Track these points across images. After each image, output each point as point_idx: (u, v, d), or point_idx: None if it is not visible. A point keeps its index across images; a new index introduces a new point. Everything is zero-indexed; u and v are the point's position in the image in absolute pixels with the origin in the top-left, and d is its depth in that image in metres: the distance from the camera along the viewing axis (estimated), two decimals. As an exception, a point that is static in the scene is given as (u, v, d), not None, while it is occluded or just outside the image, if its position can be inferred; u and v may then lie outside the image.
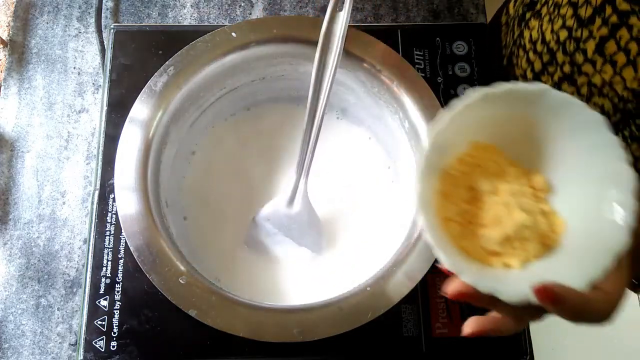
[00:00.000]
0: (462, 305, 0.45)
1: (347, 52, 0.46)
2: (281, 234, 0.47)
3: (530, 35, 0.48)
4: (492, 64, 0.53)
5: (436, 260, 0.37)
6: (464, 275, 0.26)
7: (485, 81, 0.50)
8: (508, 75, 0.53)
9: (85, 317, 0.44)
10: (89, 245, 0.46)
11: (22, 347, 0.48)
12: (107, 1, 0.59)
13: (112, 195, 0.46)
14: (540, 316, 0.29)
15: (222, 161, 0.52)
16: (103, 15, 0.58)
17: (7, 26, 0.58)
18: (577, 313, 0.26)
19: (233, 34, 0.47)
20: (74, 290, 0.50)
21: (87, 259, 0.45)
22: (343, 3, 0.42)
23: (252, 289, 0.47)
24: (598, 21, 0.40)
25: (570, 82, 0.45)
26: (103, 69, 0.54)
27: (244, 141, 0.53)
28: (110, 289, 0.44)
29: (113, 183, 0.44)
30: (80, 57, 0.57)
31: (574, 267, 0.28)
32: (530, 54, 0.48)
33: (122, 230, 0.42)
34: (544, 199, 0.31)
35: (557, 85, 0.46)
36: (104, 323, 0.44)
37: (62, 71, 0.56)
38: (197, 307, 0.40)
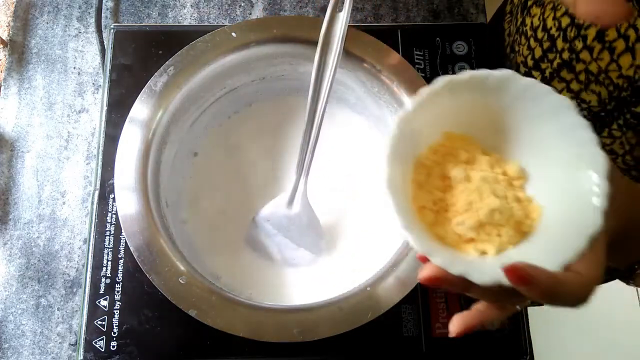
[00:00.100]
0: (462, 305, 0.45)
1: (347, 52, 0.46)
2: (281, 235, 0.47)
3: (532, 23, 0.48)
4: (492, 64, 0.53)
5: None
6: (436, 258, 0.26)
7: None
8: (510, 63, 0.54)
9: (85, 317, 0.44)
10: (89, 245, 0.46)
11: (22, 347, 0.48)
12: (107, 1, 0.59)
13: (112, 195, 0.46)
14: (520, 301, 0.29)
15: (223, 161, 0.52)
16: (103, 15, 0.58)
17: (7, 26, 0.58)
18: (549, 294, 0.26)
19: (233, 34, 0.47)
20: (74, 290, 0.50)
21: (87, 259, 0.45)
22: (343, 3, 0.42)
23: (252, 289, 0.47)
24: None
25: (569, 69, 0.45)
26: (103, 69, 0.54)
27: (244, 141, 0.53)
28: (110, 289, 0.44)
29: (113, 183, 0.44)
30: (80, 57, 0.57)
31: (548, 250, 0.28)
32: (532, 41, 0.48)
33: (122, 230, 0.42)
34: (519, 186, 0.31)
35: (556, 72, 0.47)
36: (104, 323, 0.44)
37: (62, 71, 0.56)
38: (197, 307, 0.40)
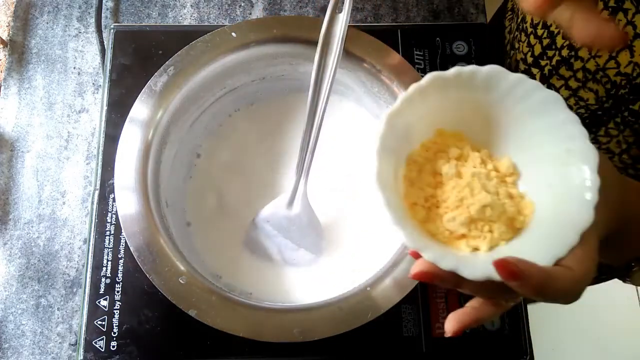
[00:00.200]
0: (462, 305, 0.45)
1: (347, 52, 0.46)
2: (281, 236, 0.47)
3: (532, 19, 0.48)
4: (492, 63, 0.53)
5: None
6: (426, 253, 0.26)
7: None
8: (510, 61, 0.54)
9: (85, 317, 0.44)
10: (89, 245, 0.46)
11: (22, 347, 0.48)
12: (107, 1, 0.59)
13: (112, 195, 0.46)
14: (512, 297, 0.29)
15: (222, 161, 0.52)
16: (103, 15, 0.58)
17: (7, 26, 0.58)
18: (540, 289, 0.25)
19: (233, 34, 0.47)
20: (74, 290, 0.50)
21: (87, 259, 0.45)
22: (343, 4, 0.42)
23: (253, 289, 0.47)
24: (600, 4, 0.40)
25: (567, 67, 0.45)
26: (103, 69, 0.54)
27: (244, 141, 0.53)
28: (110, 289, 0.44)
29: (113, 183, 0.44)
30: (80, 57, 0.57)
31: (540, 245, 0.28)
32: (532, 38, 0.49)
33: (122, 230, 0.42)
34: (511, 182, 0.31)
35: (555, 69, 0.47)
36: (104, 323, 0.44)
37: (62, 71, 0.56)
38: (197, 307, 0.40)
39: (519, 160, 0.31)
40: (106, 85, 0.49)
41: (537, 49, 0.48)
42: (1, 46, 0.57)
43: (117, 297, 0.44)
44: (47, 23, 0.58)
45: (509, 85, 0.29)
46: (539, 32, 0.47)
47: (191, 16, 0.59)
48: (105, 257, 0.45)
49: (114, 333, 0.43)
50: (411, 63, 0.49)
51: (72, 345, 0.48)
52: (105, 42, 0.56)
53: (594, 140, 0.48)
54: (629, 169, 0.48)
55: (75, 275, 0.50)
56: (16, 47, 0.57)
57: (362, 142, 0.52)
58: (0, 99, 0.55)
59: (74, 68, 0.56)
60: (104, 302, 0.44)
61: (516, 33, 0.53)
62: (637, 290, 1.26)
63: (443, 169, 0.30)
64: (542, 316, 1.18)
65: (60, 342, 0.48)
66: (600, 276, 0.56)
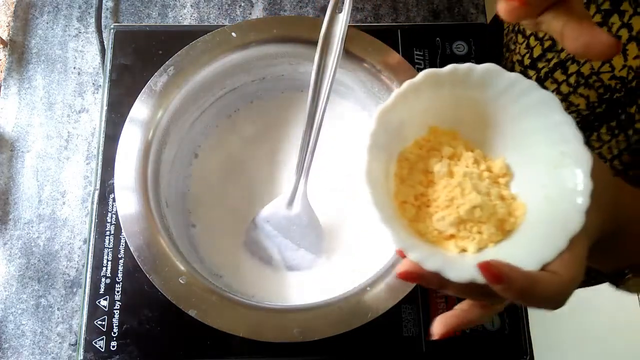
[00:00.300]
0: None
1: (347, 52, 0.46)
2: (281, 236, 0.47)
3: None
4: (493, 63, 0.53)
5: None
6: (411, 253, 0.26)
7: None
8: (505, 62, 0.53)
9: (85, 317, 0.44)
10: (89, 245, 0.46)
11: (22, 347, 0.48)
12: (107, 1, 0.59)
13: (112, 195, 0.46)
14: (498, 301, 0.28)
15: (222, 161, 0.52)
16: (103, 15, 0.58)
17: (7, 26, 0.58)
18: (524, 294, 0.25)
19: (233, 34, 0.47)
20: (74, 290, 0.50)
21: (87, 259, 0.45)
22: (343, 4, 0.42)
23: (253, 289, 0.47)
24: (592, 8, 0.40)
25: (563, 70, 0.45)
26: (103, 69, 0.54)
27: (244, 141, 0.53)
28: (110, 289, 0.44)
29: (113, 183, 0.44)
30: (80, 57, 0.57)
31: (529, 249, 0.27)
32: (531, 40, 0.48)
33: (122, 230, 0.42)
34: (504, 183, 0.31)
35: (551, 72, 0.47)
36: (104, 323, 0.44)
37: (62, 71, 0.56)
38: (197, 307, 0.40)
39: (513, 160, 0.31)
40: (106, 85, 0.49)
41: (537, 50, 0.48)
42: (1, 46, 0.57)
43: (117, 297, 0.44)
44: (47, 23, 0.58)
45: (505, 84, 0.29)
46: (540, 34, 0.47)
47: (191, 16, 0.59)
48: (105, 257, 0.45)
49: (114, 333, 0.43)
50: (411, 63, 0.49)
51: (72, 345, 0.48)
52: (105, 42, 0.56)
53: (586, 145, 0.47)
54: (620, 175, 0.47)
55: (75, 275, 0.50)
56: (16, 47, 0.57)
57: (362, 142, 0.52)
58: (0, 99, 0.55)
59: (74, 68, 0.56)
60: (104, 302, 0.44)
61: (512, 35, 0.53)
62: (637, 290, 1.25)
63: (435, 167, 0.30)
64: (542, 316, 1.18)
65: (60, 342, 0.48)
66: (590, 280, 0.56)
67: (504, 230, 0.29)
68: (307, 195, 0.45)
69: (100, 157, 0.48)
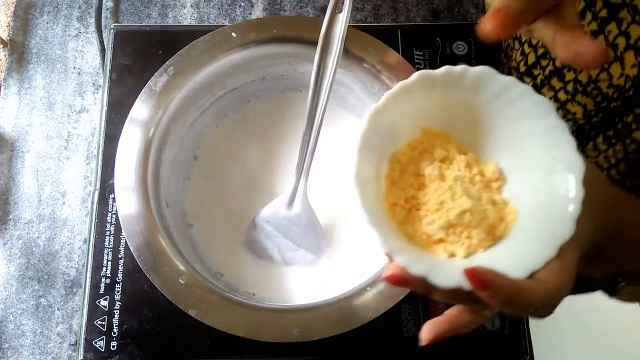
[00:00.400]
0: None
1: (347, 52, 0.46)
2: (281, 236, 0.47)
3: None
4: (493, 64, 0.53)
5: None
6: (398, 256, 0.26)
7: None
8: (502, 69, 0.53)
9: (85, 317, 0.44)
10: (89, 245, 0.46)
11: (22, 347, 0.48)
12: (107, 1, 0.59)
13: (112, 195, 0.46)
14: (484, 307, 0.28)
15: (222, 161, 0.52)
16: (103, 15, 0.58)
17: (7, 26, 0.58)
18: (510, 301, 0.24)
19: (233, 34, 0.47)
20: (74, 290, 0.50)
21: (87, 259, 0.45)
22: (343, 4, 0.42)
23: (253, 289, 0.47)
24: (589, 16, 0.39)
25: (559, 78, 0.45)
26: (103, 69, 0.54)
27: (244, 141, 0.53)
28: (110, 289, 0.44)
29: (113, 183, 0.44)
30: (80, 57, 0.57)
31: (518, 255, 0.27)
32: (526, 47, 0.48)
33: (122, 230, 0.42)
34: (496, 188, 0.30)
35: (547, 80, 0.46)
36: (104, 323, 0.44)
37: (62, 71, 0.56)
38: (197, 307, 0.40)
39: (506, 164, 0.30)
40: (106, 85, 0.49)
41: (531, 58, 0.47)
42: (1, 46, 0.57)
43: (117, 297, 0.44)
44: (47, 23, 0.58)
45: (499, 88, 0.28)
46: (534, 40, 0.47)
47: (191, 16, 0.59)
48: (105, 257, 0.45)
49: (114, 333, 0.43)
50: (411, 63, 0.49)
51: (72, 345, 0.48)
52: (105, 42, 0.56)
53: (582, 154, 0.47)
54: (617, 185, 0.47)
55: (75, 275, 0.50)
56: (16, 47, 0.57)
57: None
58: (0, 99, 0.55)
59: (74, 68, 0.56)
60: (104, 302, 0.44)
61: (509, 41, 0.53)
62: (637, 290, 1.25)
63: (426, 170, 0.30)
64: (542, 316, 1.18)
65: (60, 342, 0.48)
66: (582, 287, 0.56)
67: (494, 235, 0.29)
68: (307, 196, 0.45)
69: (100, 157, 0.48)
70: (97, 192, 0.47)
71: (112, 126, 0.48)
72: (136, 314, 0.44)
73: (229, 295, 0.41)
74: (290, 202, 0.46)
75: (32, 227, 0.51)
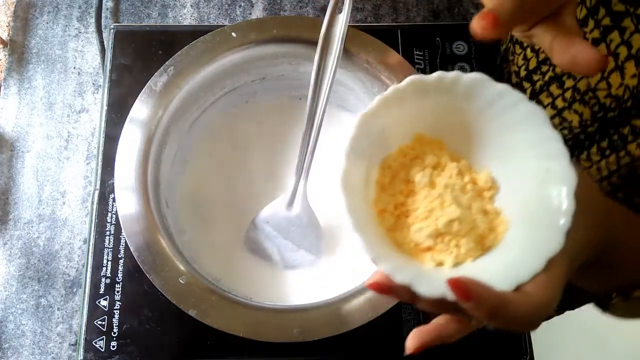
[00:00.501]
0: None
1: (347, 52, 0.46)
2: (281, 237, 0.47)
3: None
4: (492, 64, 0.53)
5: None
6: (382, 264, 0.25)
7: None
8: (502, 73, 0.53)
9: (85, 317, 0.44)
10: (89, 245, 0.46)
11: (22, 347, 0.48)
12: (107, 1, 0.59)
13: (112, 195, 0.46)
14: (468, 318, 0.27)
15: (222, 161, 0.52)
16: (103, 15, 0.58)
17: (7, 26, 0.58)
18: (494, 314, 0.24)
19: (233, 34, 0.47)
20: (74, 290, 0.50)
21: (87, 259, 0.45)
22: (343, 4, 0.42)
23: (253, 289, 0.47)
24: (591, 23, 0.39)
25: (558, 84, 0.45)
26: (103, 69, 0.54)
27: (244, 141, 0.53)
28: (110, 289, 0.44)
29: (113, 183, 0.44)
30: (80, 57, 0.57)
31: (504, 267, 0.26)
32: (528, 52, 0.48)
33: (122, 230, 0.42)
34: (489, 197, 0.30)
35: (547, 85, 0.46)
36: (104, 323, 0.44)
37: (62, 71, 0.56)
38: (197, 307, 0.40)
39: (499, 173, 0.30)
40: (106, 85, 0.49)
41: (533, 63, 0.47)
42: (1, 46, 0.57)
43: (117, 297, 0.44)
44: (47, 23, 0.58)
45: (492, 95, 0.28)
46: (536, 46, 0.46)
47: (191, 16, 0.59)
48: (105, 257, 0.45)
49: (114, 333, 0.43)
50: (411, 63, 0.49)
51: (72, 345, 0.48)
52: (105, 42, 0.56)
53: (576, 164, 0.46)
54: (609, 197, 0.46)
55: (75, 275, 0.50)
56: (16, 47, 0.57)
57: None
58: (0, 99, 0.55)
59: (74, 68, 0.56)
60: (104, 302, 0.44)
61: (509, 45, 0.52)
62: (637, 290, 1.25)
63: (416, 177, 0.29)
64: (542, 316, 1.18)
65: (60, 342, 0.48)
66: (574, 304, 0.55)
67: (484, 245, 0.28)
68: (307, 196, 0.45)
69: (100, 157, 0.48)
70: (97, 192, 0.47)
71: (112, 126, 0.48)
72: (136, 314, 0.44)
73: (229, 295, 0.41)
74: (290, 203, 0.46)
75: (32, 227, 0.51)
